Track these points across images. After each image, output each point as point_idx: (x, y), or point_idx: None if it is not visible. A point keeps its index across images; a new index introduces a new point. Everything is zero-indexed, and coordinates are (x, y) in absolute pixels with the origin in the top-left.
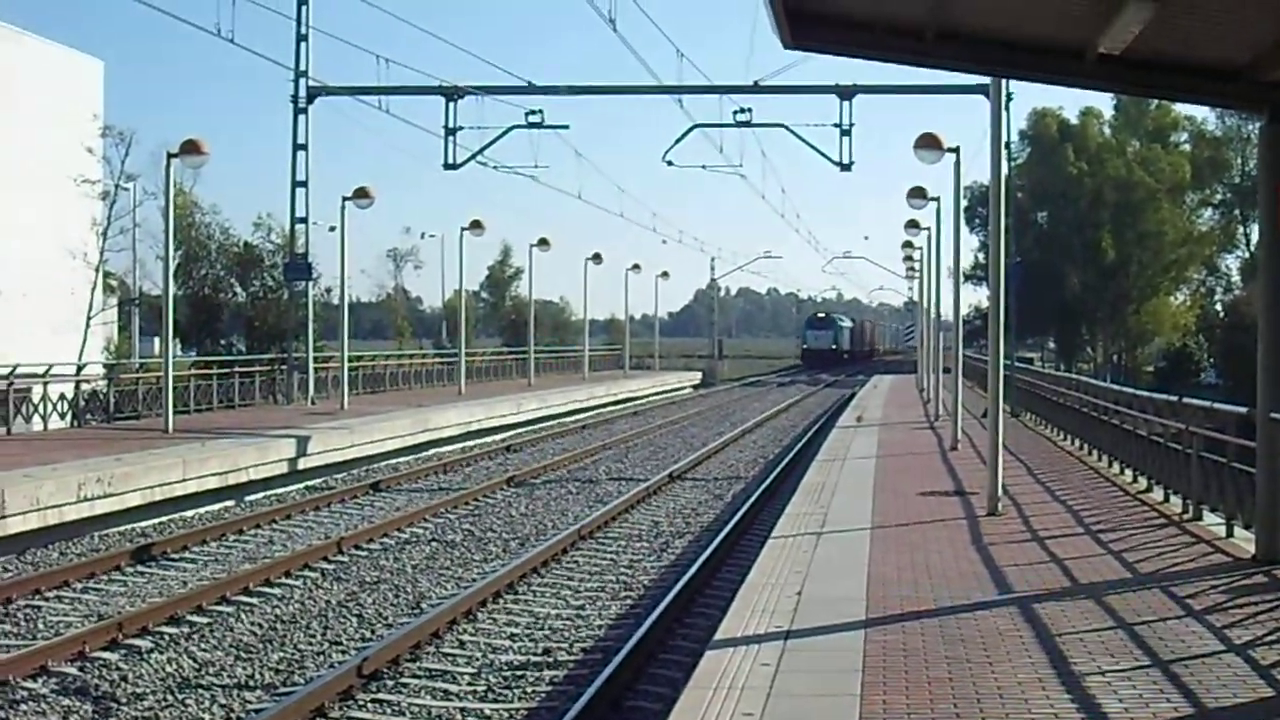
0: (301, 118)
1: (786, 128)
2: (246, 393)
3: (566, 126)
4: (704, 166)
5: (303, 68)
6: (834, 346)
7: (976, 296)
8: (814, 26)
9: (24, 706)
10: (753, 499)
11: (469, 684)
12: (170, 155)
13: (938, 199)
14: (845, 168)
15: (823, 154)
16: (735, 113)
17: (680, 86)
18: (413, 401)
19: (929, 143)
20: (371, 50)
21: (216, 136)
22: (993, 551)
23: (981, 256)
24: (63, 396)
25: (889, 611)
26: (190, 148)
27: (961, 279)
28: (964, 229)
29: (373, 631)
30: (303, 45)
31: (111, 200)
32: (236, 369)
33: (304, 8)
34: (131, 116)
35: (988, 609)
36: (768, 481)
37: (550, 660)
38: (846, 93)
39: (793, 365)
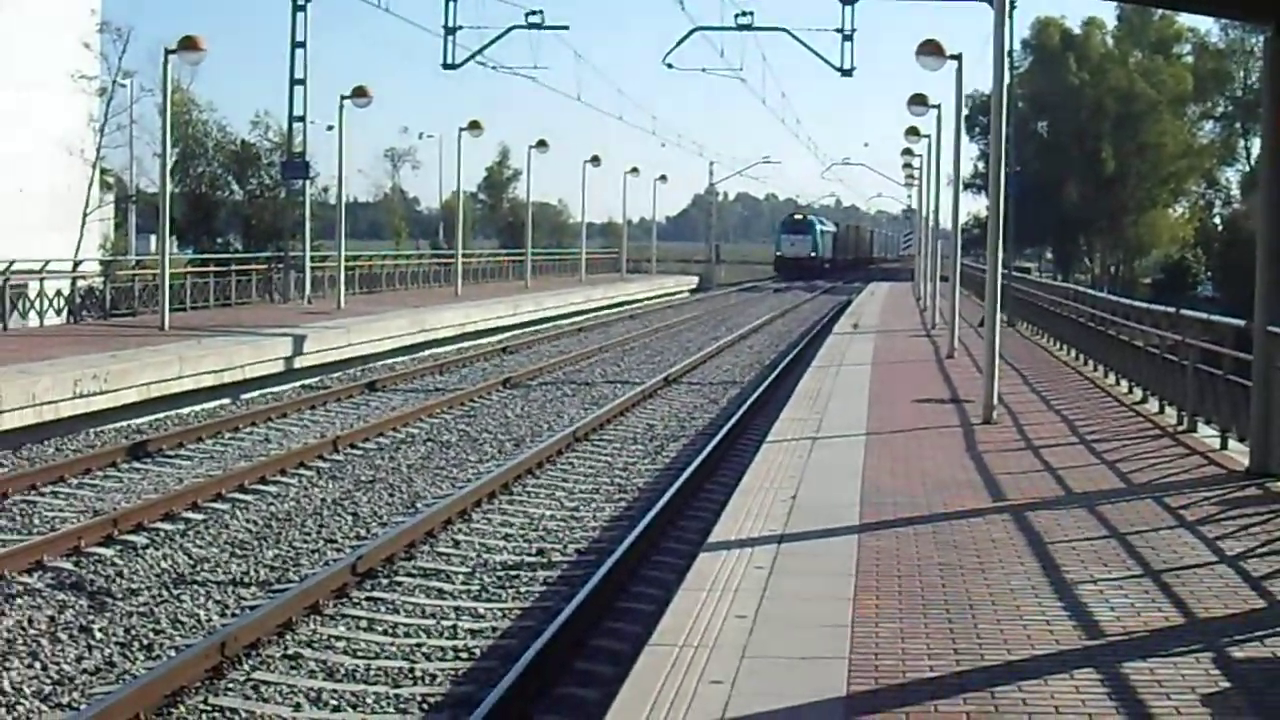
0: (300, 15)
1: (788, 31)
2: (243, 291)
3: (566, 27)
4: (704, 70)
5: None
6: (813, 254)
7: (975, 205)
8: None
9: (20, 601)
10: (748, 404)
11: (463, 583)
12: (168, 51)
13: (938, 106)
14: (846, 73)
15: (824, 59)
16: (736, 15)
17: None
18: (409, 302)
19: (931, 49)
20: None
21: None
22: (987, 459)
23: (981, 165)
24: (59, 293)
25: (883, 517)
26: (188, 44)
27: (961, 187)
28: (964, 137)
29: (368, 530)
30: None
31: (109, 97)
32: (233, 267)
33: None
34: (129, 12)
35: (981, 516)
36: (763, 387)
37: (544, 561)
38: None
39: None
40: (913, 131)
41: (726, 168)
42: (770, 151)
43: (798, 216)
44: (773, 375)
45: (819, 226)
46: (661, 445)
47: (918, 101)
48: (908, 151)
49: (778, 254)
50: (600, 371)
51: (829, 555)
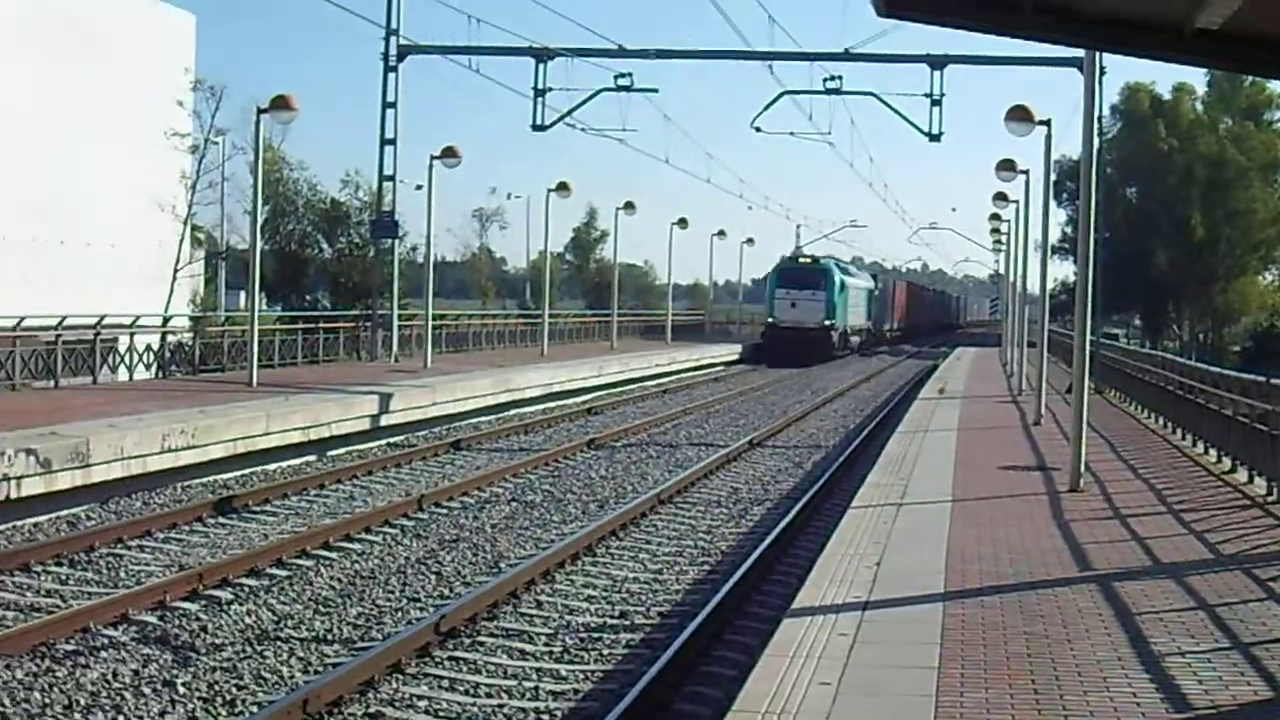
0: (391, 76)
1: (876, 96)
2: (330, 348)
3: (655, 90)
4: (792, 134)
5: (394, 25)
6: (826, 322)
7: (1063, 271)
8: None
9: (104, 654)
10: (833, 468)
11: (545, 645)
12: (260, 110)
13: (1027, 172)
14: (934, 138)
15: (912, 124)
16: (825, 80)
17: (770, 52)
18: (495, 361)
19: (1020, 115)
20: (462, 9)
21: (306, 92)
22: (1074, 528)
23: (1069, 230)
24: (149, 348)
25: (968, 585)
26: (280, 103)
27: (1049, 253)
28: (1053, 202)
29: (451, 589)
30: (394, 2)
31: (201, 154)
32: (321, 324)
33: None
34: (223, 70)
35: (1067, 586)
36: (848, 451)
37: (627, 624)
38: (938, 62)
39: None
40: (1001, 197)
41: (814, 231)
42: (857, 215)
43: (804, 260)
44: (858, 439)
45: (839, 278)
46: (746, 509)
47: (1006, 167)
48: (995, 216)
49: (770, 319)
50: (685, 434)
51: (914, 623)
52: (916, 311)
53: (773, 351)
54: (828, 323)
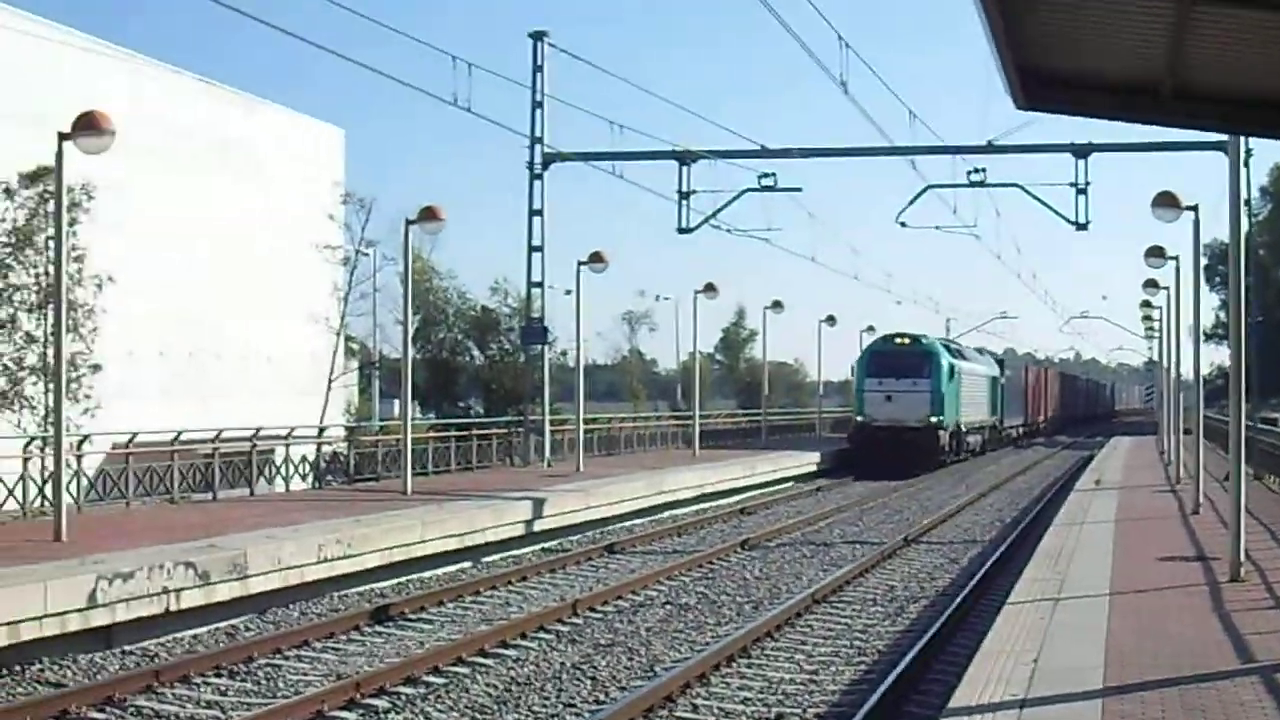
0: (537, 183)
1: (1021, 187)
2: (483, 455)
3: (799, 189)
4: (938, 227)
5: (538, 134)
6: (932, 419)
7: (1218, 355)
8: (1047, 87)
9: None
10: (989, 563)
11: None
12: (409, 222)
13: (1176, 258)
14: (1081, 227)
15: (1058, 213)
16: (969, 173)
17: (913, 147)
18: (647, 464)
19: (1166, 201)
20: (604, 116)
21: (453, 202)
22: (1235, 618)
23: (1222, 315)
24: (304, 458)
25: (1127, 680)
26: (428, 214)
27: (1202, 338)
28: (1204, 287)
29: (606, 694)
30: (538, 112)
31: (352, 266)
32: (474, 431)
33: (539, 75)
34: (371, 183)
35: (1229, 679)
36: (1004, 546)
37: None
38: (1082, 151)
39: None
40: (1151, 283)
41: (963, 324)
42: (1006, 307)
43: (901, 340)
44: (1014, 534)
45: (947, 361)
46: (901, 607)
47: (1155, 254)
48: (1147, 304)
49: (858, 417)
50: (839, 532)
51: None
52: (1068, 401)
53: (863, 458)
54: (934, 419)
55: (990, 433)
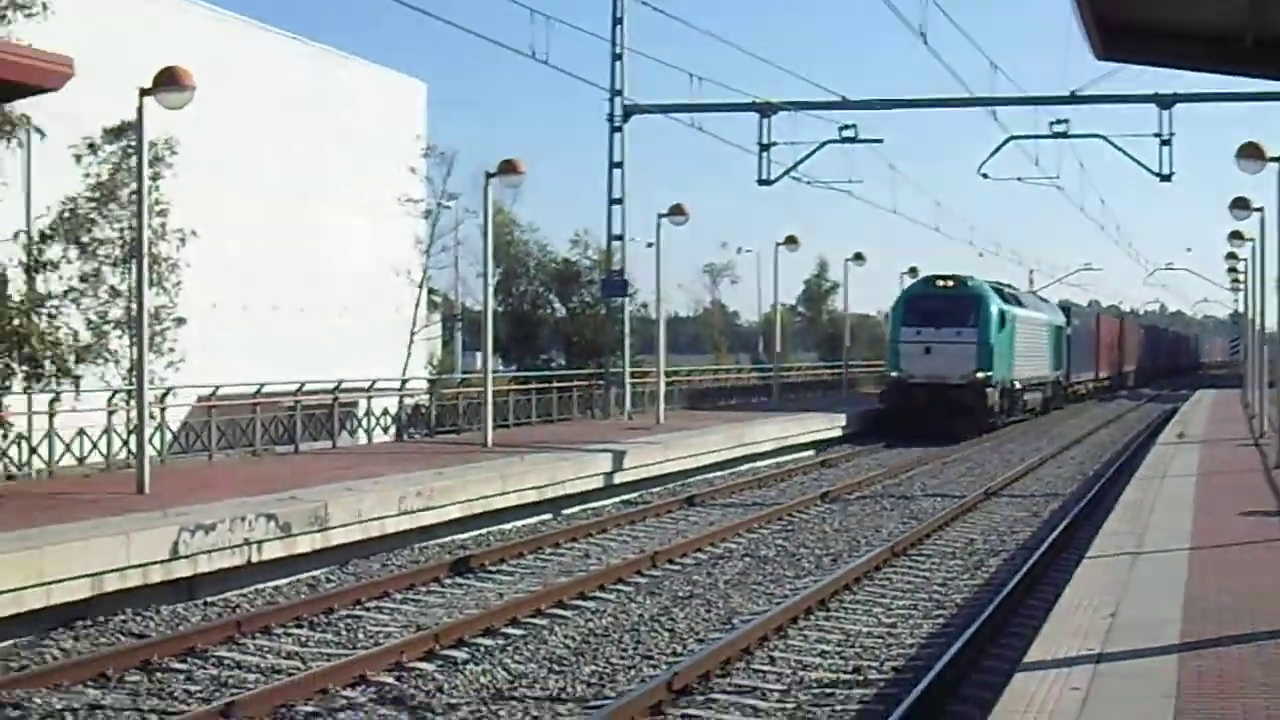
0: (617, 136)
1: (1104, 138)
2: (564, 407)
3: (880, 140)
4: (1020, 179)
5: (618, 87)
6: (979, 374)
7: None
8: (1124, 36)
9: (342, 715)
10: (1070, 517)
11: (778, 701)
12: (488, 175)
13: (1261, 209)
14: (1165, 178)
15: (1142, 164)
16: (1052, 124)
17: (994, 98)
18: (728, 416)
19: (1251, 153)
20: (684, 68)
21: (534, 155)
22: None
23: None
24: (385, 411)
25: (1205, 636)
26: (507, 167)
27: None
28: None
29: (684, 646)
30: (617, 65)
31: (434, 219)
32: (554, 384)
33: (618, 28)
34: (453, 136)
35: None
36: (1086, 499)
37: (860, 679)
38: (1166, 102)
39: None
40: (1236, 235)
41: (1046, 276)
42: (1090, 258)
43: (943, 283)
44: (1095, 487)
45: (997, 307)
46: (981, 560)
47: (1240, 205)
48: (1232, 255)
49: (891, 373)
50: (919, 485)
51: (1148, 676)
52: (1151, 353)
53: (897, 420)
54: (981, 375)
55: (1053, 389)
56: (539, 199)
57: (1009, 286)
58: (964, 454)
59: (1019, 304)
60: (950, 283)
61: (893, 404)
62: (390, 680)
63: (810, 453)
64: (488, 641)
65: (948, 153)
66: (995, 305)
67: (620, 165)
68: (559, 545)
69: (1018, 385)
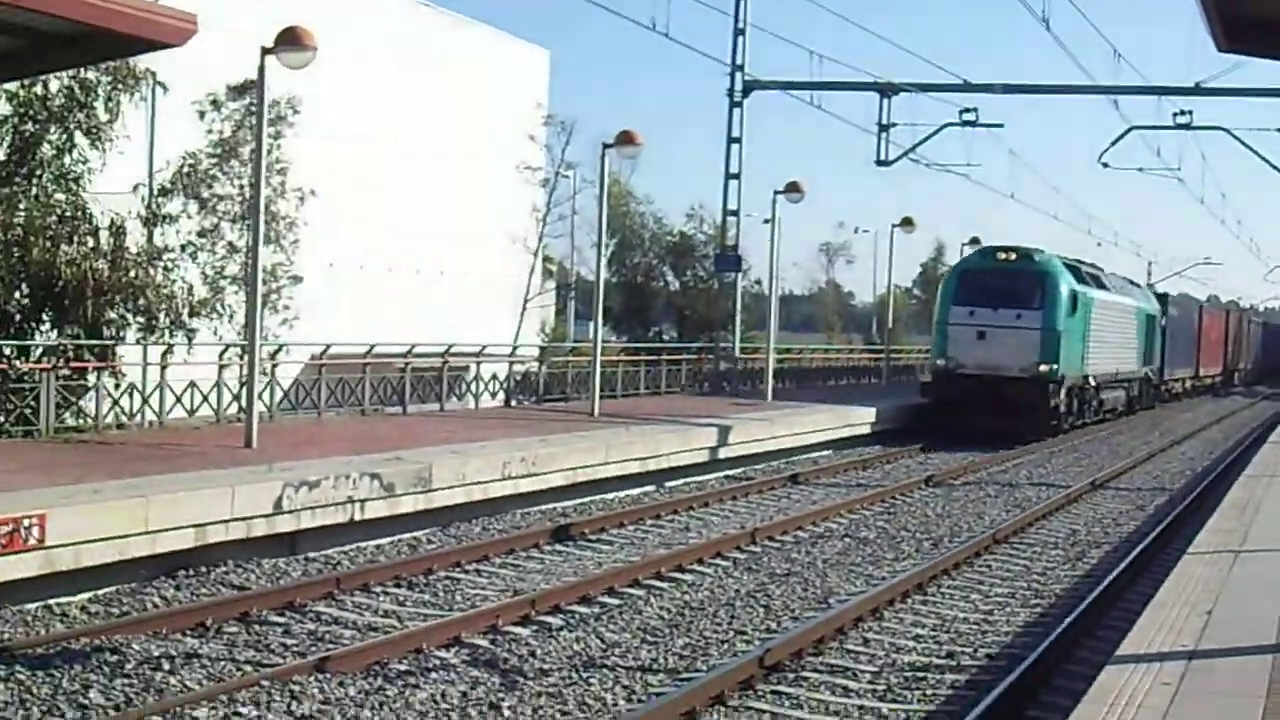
0: (736, 111)
1: (1227, 131)
2: (673, 380)
3: (1000, 125)
4: (1140, 169)
5: (739, 62)
6: (1042, 367)
7: None
8: (1248, 29)
9: (435, 675)
10: (1175, 512)
11: (869, 682)
12: (606, 146)
13: None
14: None
15: (1264, 159)
16: (1175, 115)
17: (1116, 87)
18: (837, 395)
19: None
20: (805, 45)
21: (653, 127)
22: None
23: None
24: (494, 376)
25: None
26: (625, 139)
27: None
28: None
29: (778, 623)
30: (739, 40)
31: (552, 187)
32: (663, 356)
33: (741, 3)
34: (573, 105)
35: None
36: (1192, 495)
37: (953, 664)
38: None
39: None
40: None
41: (1164, 268)
42: (1210, 252)
43: (1004, 256)
44: (1204, 483)
45: (1067, 287)
46: (1083, 551)
47: None
48: None
49: (938, 361)
50: (1025, 473)
51: (1240, 675)
52: (1270, 351)
53: (943, 415)
54: (1045, 368)
55: (1141, 387)
56: (655, 172)
57: (1089, 265)
58: (1074, 444)
59: (1099, 285)
60: (1012, 255)
61: (936, 398)
62: (484, 643)
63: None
64: (583, 609)
65: (1067, 140)
66: (1066, 284)
67: (738, 140)
68: (660, 517)
69: (1092, 381)
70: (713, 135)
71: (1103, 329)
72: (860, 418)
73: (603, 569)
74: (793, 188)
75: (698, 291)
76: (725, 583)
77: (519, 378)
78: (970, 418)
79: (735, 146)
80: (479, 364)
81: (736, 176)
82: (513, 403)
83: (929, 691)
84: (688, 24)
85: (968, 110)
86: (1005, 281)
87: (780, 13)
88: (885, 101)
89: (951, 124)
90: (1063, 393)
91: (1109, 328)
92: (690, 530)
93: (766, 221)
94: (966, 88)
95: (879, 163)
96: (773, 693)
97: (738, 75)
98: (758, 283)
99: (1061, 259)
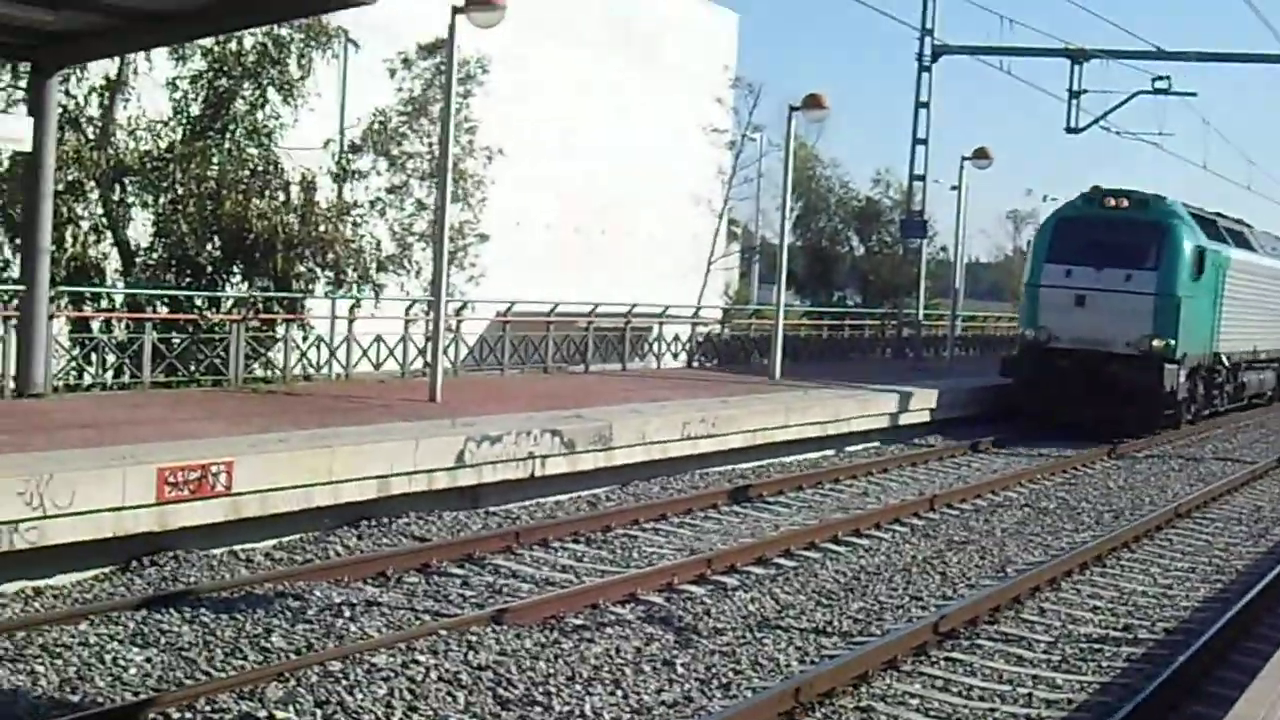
0: (925, 75)
1: None
2: (855, 345)
3: (1194, 94)
4: None
5: (928, 26)
6: (1155, 342)
7: None
8: None
9: (610, 630)
10: None
11: (1044, 652)
12: (792, 109)
13: None
14: None
15: None
16: None
17: None
18: None
19: None
20: (995, 10)
21: (841, 91)
22: None
23: None
24: (676, 337)
25: None
26: (812, 102)
27: None
28: None
29: (954, 590)
30: (929, 3)
31: (738, 150)
32: (846, 321)
33: None
34: (761, 68)
35: None
36: None
37: (1130, 637)
38: None
39: None
40: None
41: None
42: None
43: (1113, 203)
44: None
45: (1190, 242)
46: (1267, 528)
47: None
48: None
49: (1025, 331)
50: (1211, 448)
51: None
52: None
53: (1029, 402)
54: (1159, 344)
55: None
56: (842, 136)
57: (1225, 217)
58: (1263, 419)
59: (1240, 243)
60: (1124, 201)
61: (1022, 379)
62: (660, 600)
63: None
64: (759, 570)
65: (1263, 110)
66: (1189, 239)
67: (926, 105)
68: (839, 481)
69: (1225, 361)
70: (901, 101)
71: (1242, 296)
72: None
73: (779, 531)
74: (980, 154)
75: (882, 257)
76: (902, 549)
77: (701, 339)
78: (1064, 405)
79: (923, 111)
80: (661, 325)
81: (924, 142)
82: (694, 364)
83: (1104, 664)
84: None
85: (1161, 78)
86: (1112, 234)
87: None
88: (1076, 68)
89: (1144, 91)
90: (1182, 375)
91: (1252, 296)
92: (868, 495)
93: (954, 188)
94: (1160, 55)
95: (1069, 130)
96: (946, 659)
97: (927, 39)
98: (943, 249)
99: (1189, 208)
